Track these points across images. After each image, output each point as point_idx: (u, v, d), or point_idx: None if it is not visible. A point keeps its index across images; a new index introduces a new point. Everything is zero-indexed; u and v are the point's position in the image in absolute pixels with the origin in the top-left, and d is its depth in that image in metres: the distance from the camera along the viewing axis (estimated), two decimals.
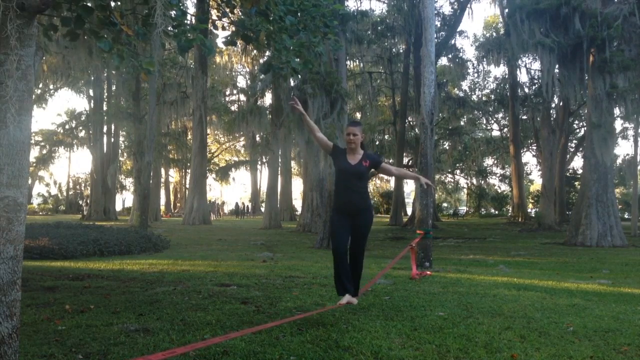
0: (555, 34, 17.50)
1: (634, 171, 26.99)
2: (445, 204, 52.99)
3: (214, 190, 60.00)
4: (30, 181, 41.30)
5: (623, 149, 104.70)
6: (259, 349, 3.57)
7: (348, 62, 28.51)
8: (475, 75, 39.41)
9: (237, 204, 47.12)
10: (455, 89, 38.81)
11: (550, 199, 26.98)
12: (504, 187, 46.29)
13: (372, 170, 4.69)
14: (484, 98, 39.54)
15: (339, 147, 4.69)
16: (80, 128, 38.27)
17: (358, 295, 4.83)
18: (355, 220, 4.58)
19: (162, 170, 39.05)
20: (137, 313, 4.65)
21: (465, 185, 47.48)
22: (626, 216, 36.16)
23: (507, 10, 25.47)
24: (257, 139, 34.88)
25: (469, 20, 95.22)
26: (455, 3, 29.50)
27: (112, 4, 4.31)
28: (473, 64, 36.83)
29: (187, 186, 39.12)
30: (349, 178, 4.53)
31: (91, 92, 32.71)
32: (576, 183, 38.13)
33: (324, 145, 4.73)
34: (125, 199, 49.98)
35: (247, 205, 49.31)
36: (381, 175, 46.28)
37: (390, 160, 35.59)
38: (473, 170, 42.15)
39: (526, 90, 34.26)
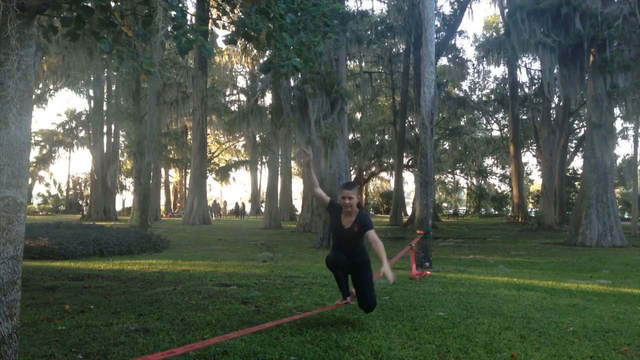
0: (555, 33, 17.49)
1: (634, 171, 26.99)
2: (445, 204, 52.97)
3: (214, 190, 60.05)
4: (30, 181, 41.30)
5: (623, 149, 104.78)
6: (259, 349, 3.57)
7: (348, 62, 28.50)
8: (475, 75, 39.47)
9: (237, 204, 47.14)
10: (455, 89, 38.80)
11: (550, 199, 26.98)
12: (504, 187, 46.30)
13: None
14: (484, 98, 39.54)
15: (335, 204, 4.61)
16: (80, 128, 38.24)
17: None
18: (355, 275, 4.50)
19: (162, 170, 39.02)
20: (137, 313, 4.65)
21: (465, 185, 47.49)
22: (626, 216, 36.14)
23: (507, 10, 25.49)
24: (257, 139, 34.88)
25: (469, 20, 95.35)
26: (455, 3, 29.50)
27: (113, 4, 4.31)
28: (473, 64, 36.88)
29: (187, 186, 39.11)
30: (341, 238, 4.51)
31: (91, 92, 32.69)
32: (576, 183, 38.12)
33: (321, 201, 4.68)
34: (125, 199, 49.96)
35: (244, 205, 49.35)
36: (381, 175, 46.37)
37: (391, 160, 35.62)
38: (473, 170, 42.13)
39: (526, 90, 34.26)
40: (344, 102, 16.77)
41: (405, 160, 34.22)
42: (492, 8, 38.13)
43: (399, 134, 30.64)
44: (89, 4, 3.80)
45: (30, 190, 43.82)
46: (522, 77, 42.37)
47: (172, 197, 50.48)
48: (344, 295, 4.59)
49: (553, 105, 30.05)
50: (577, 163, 42.96)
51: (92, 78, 29.30)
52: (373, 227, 4.42)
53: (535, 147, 38.02)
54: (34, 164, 39.96)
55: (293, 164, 33.87)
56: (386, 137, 36.46)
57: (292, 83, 17.96)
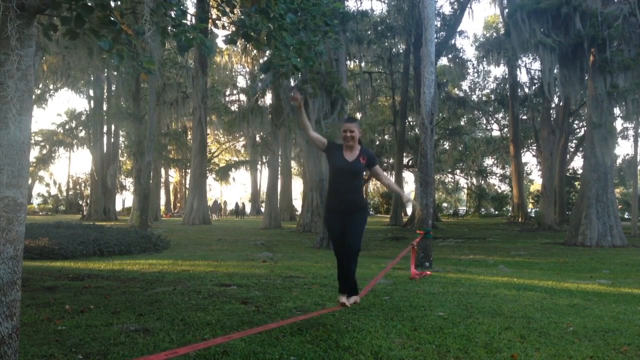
0: (555, 33, 17.50)
1: (634, 171, 26.99)
2: (445, 204, 52.99)
3: (214, 190, 60.05)
4: (30, 181, 41.30)
5: (623, 149, 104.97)
6: (259, 349, 3.57)
7: (348, 62, 28.50)
8: (475, 75, 39.49)
9: (237, 204, 47.17)
10: (455, 89, 38.82)
11: (550, 199, 26.98)
12: (504, 187, 46.32)
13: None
14: (484, 98, 39.56)
15: (335, 143, 4.52)
16: (80, 128, 38.25)
17: (359, 294, 4.84)
18: (349, 219, 4.44)
19: (162, 170, 39.03)
20: (137, 313, 4.65)
21: (465, 185, 47.51)
22: (626, 216, 36.15)
23: (507, 10, 25.48)
24: (257, 139, 34.89)
25: (469, 20, 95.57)
26: (455, 3, 29.52)
27: (112, 3, 4.31)
28: (473, 64, 36.89)
29: (187, 186, 39.12)
30: (345, 175, 4.40)
31: (91, 92, 32.69)
32: (576, 183, 38.13)
33: (318, 142, 4.51)
34: (125, 199, 49.98)
35: (244, 205, 49.40)
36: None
37: (391, 160, 35.62)
38: (473, 170, 42.15)
39: (526, 90, 34.27)
40: (344, 102, 16.78)
41: (405, 160, 34.23)
42: (492, 8, 38.22)
43: (399, 134, 30.64)
44: (89, 3, 3.79)
45: (30, 190, 43.82)
46: (522, 77, 42.36)
47: (172, 197, 50.50)
48: (341, 289, 4.62)
49: (553, 105, 30.06)
50: (577, 163, 43.02)
51: (92, 78, 29.30)
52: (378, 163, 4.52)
53: (535, 147, 38.03)
54: (34, 164, 39.97)
55: (293, 163, 33.88)
56: (386, 137, 36.46)
57: (293, 83, 17.97)
